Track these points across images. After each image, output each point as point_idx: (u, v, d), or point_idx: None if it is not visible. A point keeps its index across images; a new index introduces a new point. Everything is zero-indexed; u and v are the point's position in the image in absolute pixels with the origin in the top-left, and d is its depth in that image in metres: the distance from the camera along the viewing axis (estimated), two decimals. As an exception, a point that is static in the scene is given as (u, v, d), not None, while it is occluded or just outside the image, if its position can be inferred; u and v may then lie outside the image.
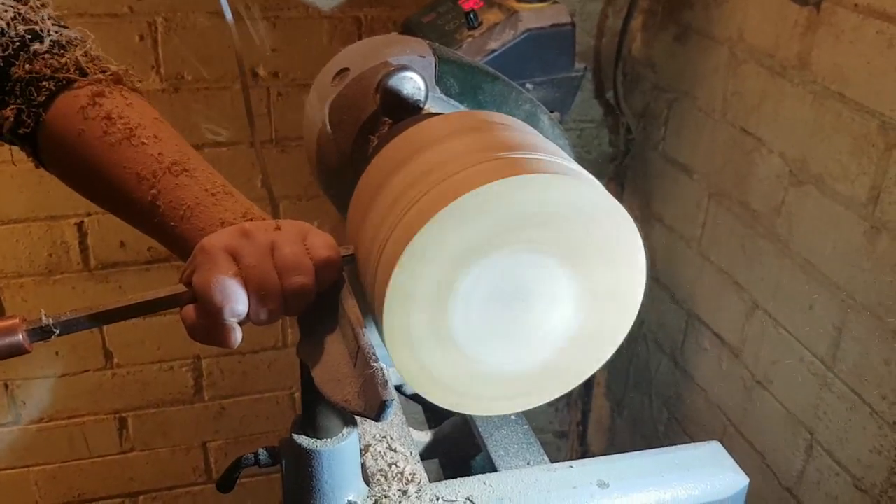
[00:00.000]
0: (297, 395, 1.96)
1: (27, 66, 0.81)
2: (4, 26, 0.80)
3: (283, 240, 0.67)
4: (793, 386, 1.34)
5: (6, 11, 0.80)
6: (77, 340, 1.72)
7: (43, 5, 0.84)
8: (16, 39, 0.81)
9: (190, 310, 0.66)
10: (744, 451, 1.48)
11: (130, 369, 1.81)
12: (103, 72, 0.82)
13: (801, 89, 1.27)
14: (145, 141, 0.77)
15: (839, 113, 1.19)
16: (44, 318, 0.63)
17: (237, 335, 0.66)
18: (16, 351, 0.62)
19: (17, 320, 0.62)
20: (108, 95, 0.80)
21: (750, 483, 0.95)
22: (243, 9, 1.53)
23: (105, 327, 1.74)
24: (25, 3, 0.82)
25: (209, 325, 0.65)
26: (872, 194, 1.14)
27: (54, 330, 0.63)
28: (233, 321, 0.65)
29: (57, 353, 1.73)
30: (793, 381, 1.34)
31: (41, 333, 0.63)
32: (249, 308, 0.65)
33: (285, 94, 1.63)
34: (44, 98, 0.80)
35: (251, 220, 0.72)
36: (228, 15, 1.40)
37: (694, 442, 1.02)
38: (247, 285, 0.64)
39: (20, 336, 0.62)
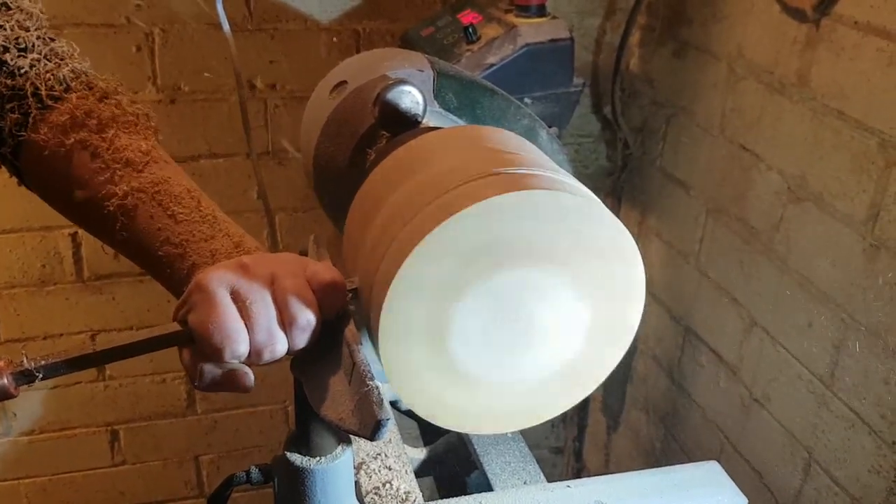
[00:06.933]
0: (291, 408, 1.94)
1: (9, 82, 0.76)
2: None
3: (283, 271, 0.63)
4: (791, 404, 1.33)
5: None
6: (69, 352, 1.71)
7: (29, 17, 0.79)
8: None
9: (187, 352, 0.63)
10: (741, 470, 1.47)
11: (123, 381, 1.79)
12: (90, 88, 0.78)
13: (801, 106, 1.26)
14: (131, 164, 0.73)
15: (838, 130, 1.19)
16: (26, 361, 0.60)
17: (250, 377, 0.63)
18: (1, 395, 0.60)
19: (1, 364, 0.60)
20: (95, 115, 0.75)
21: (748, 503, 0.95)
22: (241, 20, 1.52)
23: (97, 338, 1.73)
24: (11, 16, 0.77)
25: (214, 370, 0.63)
26: (872, 212, 1.14)
27: (36, 374, 0.61)
28: (234, 363, 0.62)
29: (49, 365, 1.72)
30: (791, 399, 1.33)
31: (26, 377, 0.61)
32: (251, 348, 0.61)
33: (283, 106, 1.62)
34: (26, 116, 0.76)
35: (246, 251, 0.69)
36: (226, 26, 1.40)
37: (690, 459, 1.01)
38: (248, 323, 0.61)
39: (5, 380, 0.60)
